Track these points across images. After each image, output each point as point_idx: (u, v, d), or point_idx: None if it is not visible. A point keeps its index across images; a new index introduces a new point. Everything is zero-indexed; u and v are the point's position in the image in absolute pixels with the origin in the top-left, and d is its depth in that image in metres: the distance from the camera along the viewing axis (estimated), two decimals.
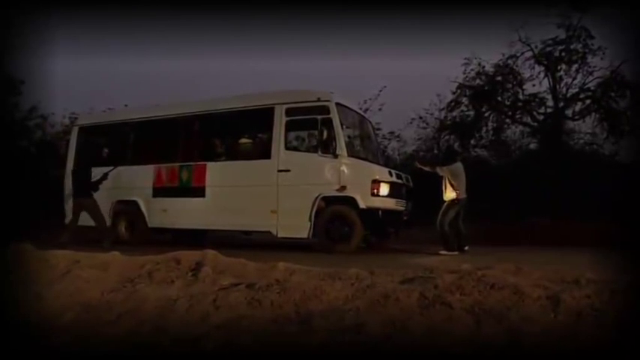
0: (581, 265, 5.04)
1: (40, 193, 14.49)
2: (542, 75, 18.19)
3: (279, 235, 9.27)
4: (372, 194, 8.71)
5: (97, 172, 10.48)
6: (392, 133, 19.55)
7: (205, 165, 10.10)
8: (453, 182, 8.98)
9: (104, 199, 10.88)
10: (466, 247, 8.88)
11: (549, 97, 18.15)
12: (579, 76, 17.71)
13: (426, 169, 9.53)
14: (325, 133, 8.99)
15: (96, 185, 10.31)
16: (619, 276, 3.89)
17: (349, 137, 9.68)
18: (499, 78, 18.74)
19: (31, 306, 4.54)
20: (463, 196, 8.99)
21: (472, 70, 18.90)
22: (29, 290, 4.86)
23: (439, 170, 9.18)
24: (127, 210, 10.84)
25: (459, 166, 9.28)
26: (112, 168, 10.61)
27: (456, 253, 8.60)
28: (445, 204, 8.96)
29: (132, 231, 10.83)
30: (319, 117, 9.02)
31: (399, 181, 9.42)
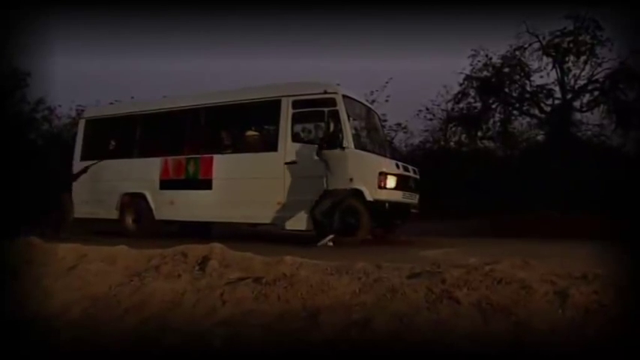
0: (588, 259, 5.02)
1: (47, 185, 14.51)
2: (549, 66, 18.20)
3: (286, 228, 9.27)
4: (379, 187, 8.68)
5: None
6: (399, 124, 19.57)
7: (212, 157, 10.10)
8: (328, 168, 8.52)
9: (111, 191, 10.94)
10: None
11: (557, 88, 18.13)
12: (587, 68, 17.70)
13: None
14: (332, 126, 8.96)
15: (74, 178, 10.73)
16: (627, 271, 3.87)
17: (356, 129, 9.64)
18: (506, 69, 18.72)
19: (38, 300, 4.56)
20: (338, 186, 8.45)
21: (479, 61, 18.92)
22: (37, 284, 4.88)
23: (320, 155, 8.72)
24: (135, 202, 10.86)
25: (335, 152, 8.63)
26: (93, 162, 11.03)
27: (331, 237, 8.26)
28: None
29: (139, 223, 10.85)
30: (326, 109, 8.99)
31: (406, 173, 9.40)
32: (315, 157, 8.71)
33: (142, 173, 10.78)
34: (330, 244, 8.29)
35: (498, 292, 3.57)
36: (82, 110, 15.36)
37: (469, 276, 3.79)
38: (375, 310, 3.59)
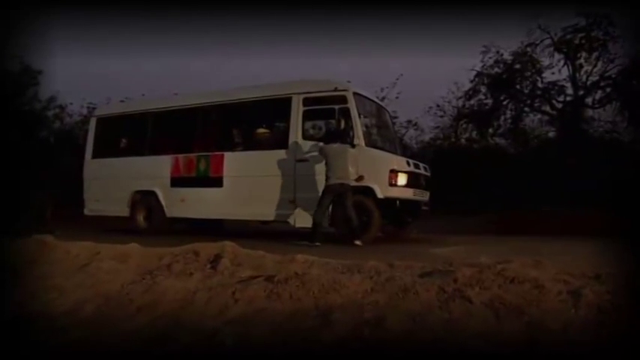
0: (592, 257, 5.01)
1: (59, 182, 14.59)
2: (561, 63, 18.03)
3: (296, 225, 9.25)
4: (390, 184, 8.66)
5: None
6: (409, 121, 19.53)
7: (223, 155, 10.12)
8: (326, 164, 8.53)
9: (123, 188, 10.99)
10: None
11: (569, 85, 17.98)
12: (600, 64, 17.51)
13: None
14: (343, 123, 8.96)
15: None
16: (636, 269, 3.85)
17: (367, 127, 9.61)
18: (518, 66, 18.59)
19: (51, 298, 4.59)
20: (335, 181, 8.40)
21: (490, 58, 18.78)
22: (50, 281, 4.91)
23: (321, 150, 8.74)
24: (146, 200, 10.90)
25: (332, 147, 8.57)
26: None
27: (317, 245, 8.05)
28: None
29: (150, 220, 10.89)
30: (337, 107, 8.99)
31: (417, 170, 9.37)
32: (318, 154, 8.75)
33: (152, 171, 10.82)
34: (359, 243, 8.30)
35: (511, 291, 3.56)
36: (93, 108, 15.43)
37: (481, 275, 3.78)
38: (387, 309, 3.59)
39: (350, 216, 8.36)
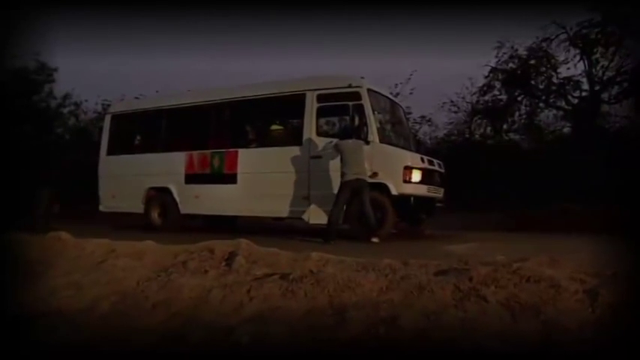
0: (609, 255, 4.97)
1: (70, 179, 14.66)
2: (577, 58, 17.88)
3: (310, 222, 9.28)
4: (405, 181, 8.66)
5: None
6: (423, 117, 19.46)
7: (237, 152, 10.15)
8: (342, 160, 8.55)
9: (137, 185, 11.05)
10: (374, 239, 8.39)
11: (584, 80, 17.82)
12: (616, 59, 17.33)
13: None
14: (357, 120, 8.95)
15: None
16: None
17: (381, 123, 9.61)
18: (533, 61, 18.47)
19: (69, 294, 4.62)
20: (351, 177, 8.41)
21: (505, 53, 18.67)
22: (67, 279, 4.94)
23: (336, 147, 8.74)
24: (160, 196, 10.96)
25: (347, 142, 8.60)
26: None
27: (332, 243, 8.11)
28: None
29: (164, 217, 10.95)
30: (351, 103, 8.99)
31: (432, 167, 9.35)
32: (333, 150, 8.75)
33: (167, 168, 10.88)
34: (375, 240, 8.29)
35: (526, 290, 3.54)
36: (108, 105, 15.52)
37: (497, 274, 3.76)
38: (402, 307, 3.57)
39: (367, 212, 8.36)
